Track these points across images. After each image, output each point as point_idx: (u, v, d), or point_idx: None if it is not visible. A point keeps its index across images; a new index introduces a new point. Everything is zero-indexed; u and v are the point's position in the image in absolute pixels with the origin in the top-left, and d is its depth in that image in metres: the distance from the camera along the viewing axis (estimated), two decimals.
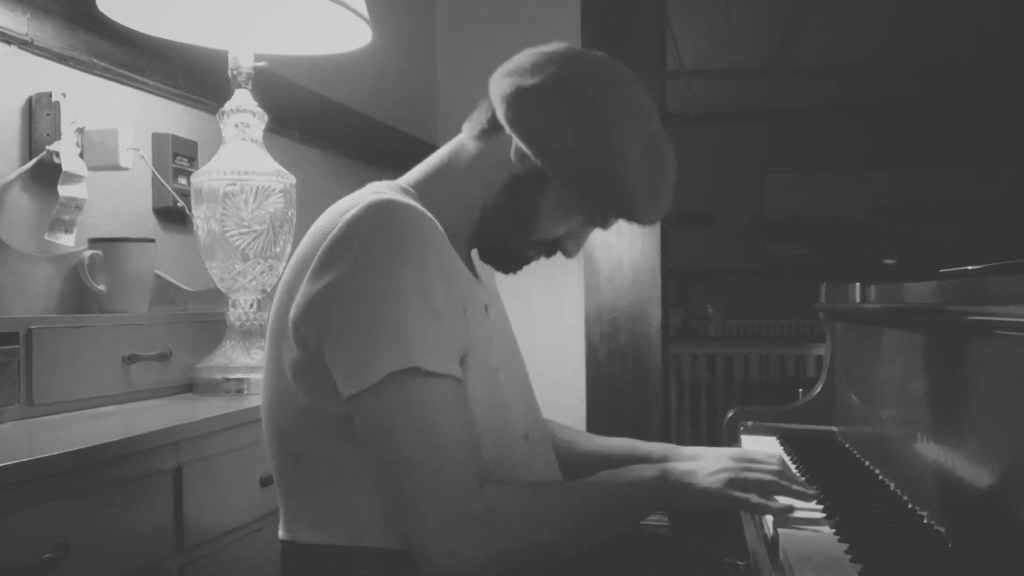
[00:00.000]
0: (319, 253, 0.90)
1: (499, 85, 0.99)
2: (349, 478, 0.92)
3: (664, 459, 1.16)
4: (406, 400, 0.85)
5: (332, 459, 0.92)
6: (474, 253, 1.09)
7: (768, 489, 0.99)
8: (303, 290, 0.90)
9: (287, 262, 1.52)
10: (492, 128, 1.00)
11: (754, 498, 0.98)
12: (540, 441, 1.08)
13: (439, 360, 0.87)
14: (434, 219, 0.93)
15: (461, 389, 0.90)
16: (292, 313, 0.91)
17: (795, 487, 1.01)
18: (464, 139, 1.05)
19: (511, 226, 1.02)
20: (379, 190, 0.98)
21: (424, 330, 0.86)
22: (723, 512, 0.99)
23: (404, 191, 1.00)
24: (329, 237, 0.90)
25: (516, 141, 0.97)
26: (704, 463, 1.00)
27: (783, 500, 1.00)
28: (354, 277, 0.87)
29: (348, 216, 0.90)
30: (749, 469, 0.99)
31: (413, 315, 0.86)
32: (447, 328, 0.89)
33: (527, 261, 1.07)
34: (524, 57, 1.00)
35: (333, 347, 0.87)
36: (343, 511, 0.93)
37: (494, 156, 1.00)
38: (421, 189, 1.02)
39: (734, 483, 0.96)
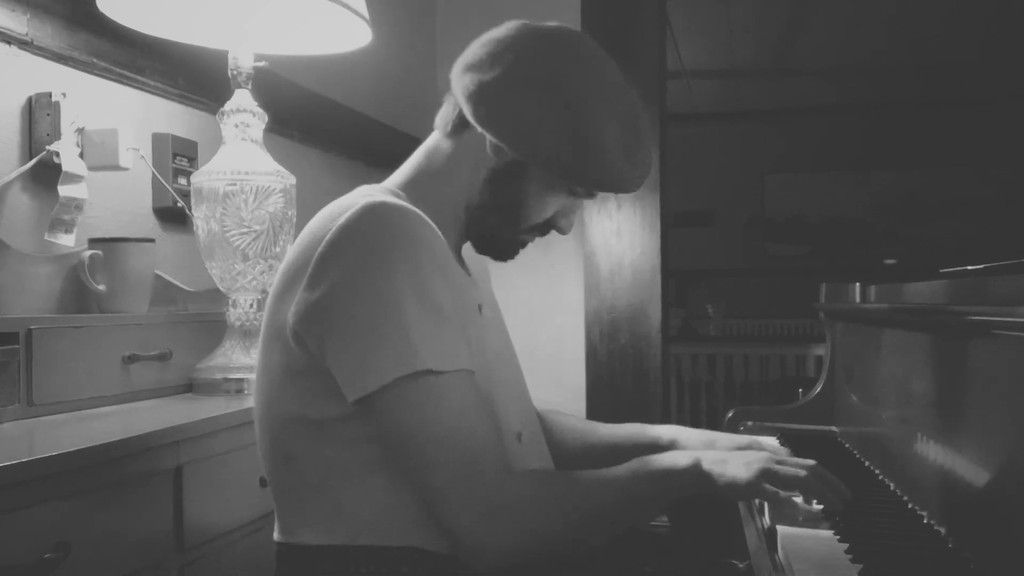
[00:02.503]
0: (315, 258, 0.90)
1: (460, 82, 0.99)
2: (342, 478, 0.92)
3: (672, 443, 1.17)
4: (421, 400, 0.85)
5: (325, 460, 0.92)
6: (465, 250, 1.09)
7: (802, 487, 0.98)
8: (301, 296, 0.90)
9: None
10: (462, 124, 1.01)
11: (783, 494, 0.97)
12: (534, 440, 1.08)
13: (446, 357, 0.87)
14: (428, 219, 0.93)
15: (471, 379, 0.90)
16: (291, 319, 0.90)
17: (830, 488, 1.00)
18: (438, 138, 1.05)
19: (499, 218, 1.03)
20: (370, 193, 0.98)
21: (427, 330, 0.86)
22: (724, 507, 0.99)
23: (394, 193, 1.00)
24: (324, 242, 0.90)
25: (489, 137, 0.97)
26: (737, 452, 1.00)
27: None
28: (353, 281, 0.87)
29: (343, 220, 0.90)
30: (783, 463, 0.99)
31: (414, 316, 0.86)
32: (450, 323, 0.89)
33: (522, 245, 1.07)
34: (479, 48, 1.00)
35: (336, 352, 0.88)
36: (338, 511, 0.93)
37: (469, 153, 1.01)
38: (408, 191, 1.02)
39: (767, 475, 0.96)
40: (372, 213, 0.90)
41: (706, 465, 0.96)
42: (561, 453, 1.18)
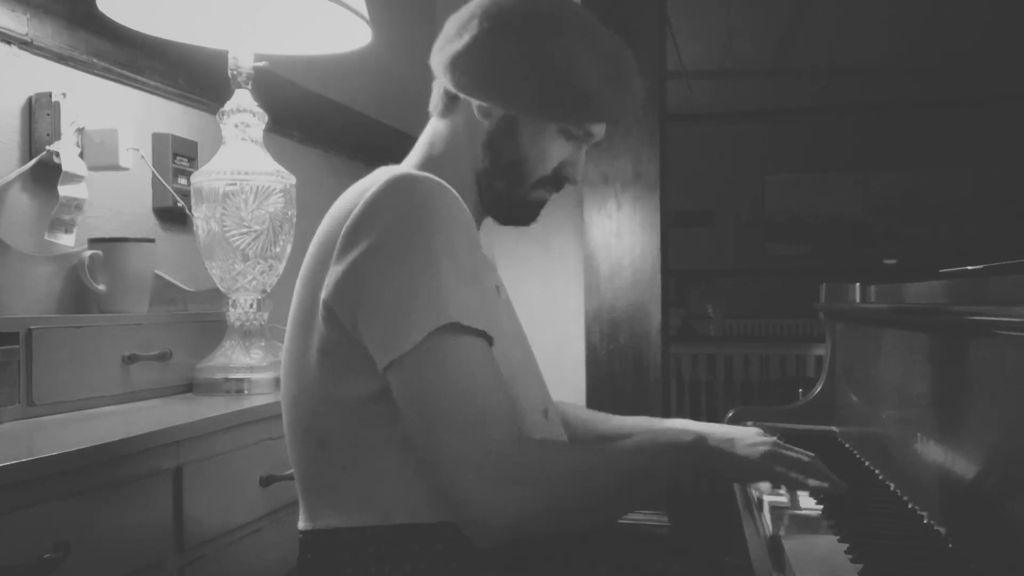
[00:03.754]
0: (343, 233, 0.90)
1: (438, 59, 1.04)
2: (376, 459, 0.92)
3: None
4: (446, 356, 0.85)
5: (358, 441, 0.92)
6: (481, 233, 1.10)
7: (805, 469, 0.99)
8: (332, 270, 0.90)
9: (287, 262, 1.53)
10: (451, 100, 1.05)
11: (792, 473, 0.98)
12: (556, 419, 1.09)
13: (474, 317, 0.87)
14: (453, 190, 0.93)
15: (490, 348, 0.90)
16: (323, 294, 0.91)
17: (825, 471, 1.01)
18: (434, 123, 1.08)
19: (506, 179, 1.04)
20: (392, 169, 0.99)
21: (458, 288, 0.87)
22: (723, 503, 0.99)
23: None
24: (351, 216, 0.91)
25: (473, 101, 1.01)
26: (743, 433, 1.02)
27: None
28: (383, 248, 0.88)
29: (369, 194, 0.91)
30: (789, 447, 1.00)
31: (446, 276, 0.86)
32: (479, 288, 0.90)
33: (540, 205, 1.09)
34: (449, 24, 1.05)
35: (369, 318, 0.87)
36: (370, 492, 0.92)
37: (464, 125, 1.04)
38: (424, 171, 1.03)
39: (773, 456, 0.97)
40: (399, 184, 0.91)
41: (713, 441, 0.96)
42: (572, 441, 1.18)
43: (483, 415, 0.85)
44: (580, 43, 1.01)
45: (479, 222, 1.09)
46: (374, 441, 0.92)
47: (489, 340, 0.89)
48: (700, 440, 0.96)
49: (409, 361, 0.85)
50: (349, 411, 0.92)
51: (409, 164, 1.07)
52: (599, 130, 1.06)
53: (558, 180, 1.07)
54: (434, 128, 1.08)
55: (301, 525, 0.99)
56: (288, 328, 0.99)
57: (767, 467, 0.97)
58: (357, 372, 0.90)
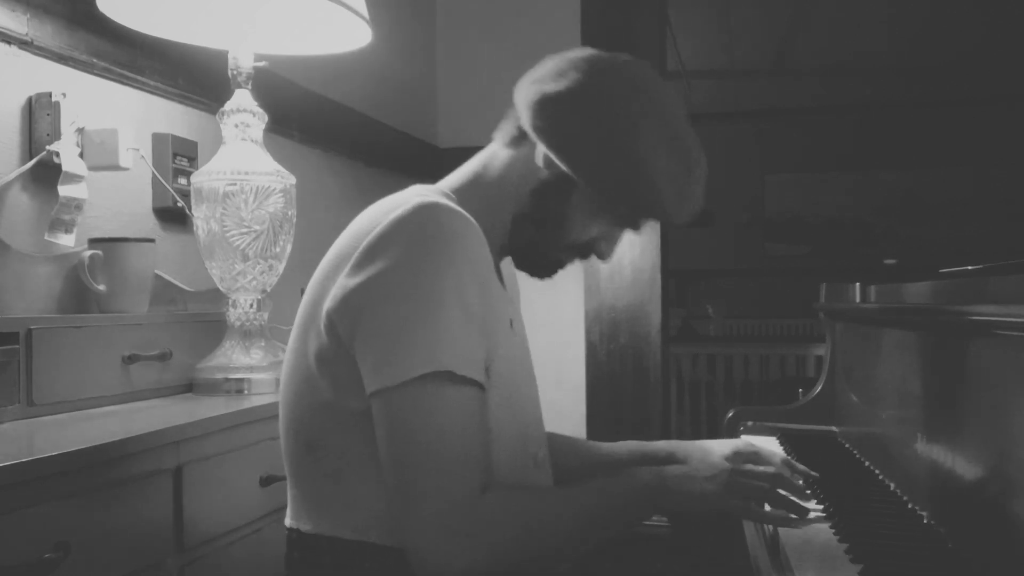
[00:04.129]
0: (361, 248, 0.90)
1: (524, 92, 1.00)
2: (359, 473, 0.92)
3: (670, 456, 1.17)
4: (429, 401, 0.86)
5: (345, 453, 0.93)
6: (503, 266, 1.10)
7: (764, 498, 0.99)
8: (341, 282, 0.90)
9: (287, 262, 1.53)
10: (520, 136, 1.02)
11: (754, 506, 0.98)
12: (546, 463, 1.09)
13: (468, 365, 0.87)
14: (477, 225, 0.93)
15: (483, 397, 0.90)
16: (328, 304, 0.91)
17: (790, 497, 1.01)
18: (496, 148, 1.06)
19: (542, 231, 1.03)
20: (423, 193, 0.98)
21: (458, 334, 0.87)
22: (722, 513, 0.99)
23: (446, 196, 1.01)
24: (372, 234, 0.90)
25: (541, 147, 0.98)
26: (702, 466, 1.00)
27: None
28: (395, 273, 0.88)
29: (394, 216, 0.91)
30: (746, 475, 0.99)
31: (449, 317, 0.86)
32: (478, 334, 0.90)
33: (561, 265, 1.08)
34: (549, 63, 1.02)
35: (365, 341, 0.88)
36: (350, 505, 0.93)
37: (523, 163, 1.02)
38: (460, 195, 1.03)
39: (731, 487, 0.97)
40: (424, 212, 0.91)
41: (670, 482, 0.97)
42: (560, 474, 1.18)
43: (450, 465, 0.86)
44: (665, 138, 0.98)
45: (502, 256, 1.08)
46: (360, 454, 0.92)
47: (480, 387, 0.90)
48: (657, 482, 0.96)
49: (394, 396, 0.86)
50: (339, 421, 0.93)
51: (453, 180, 1.06)
52: (647, 222, 1.05)
53: (587, 251, 1.06)
54: (492, 153, 1.06)
55: (287, 522, 1.00)
56: (294, 327, 0.99)
57: (724, 502, 0.97)
58: (350, 386, 0.90)
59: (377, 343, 0.87)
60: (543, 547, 0.91)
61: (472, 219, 0.93)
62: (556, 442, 1.22)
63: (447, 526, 0.85)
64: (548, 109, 0.97)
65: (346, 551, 0.93)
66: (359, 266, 0.90)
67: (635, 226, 1.06)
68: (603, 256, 1.07)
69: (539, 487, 1.04)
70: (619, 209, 1.01)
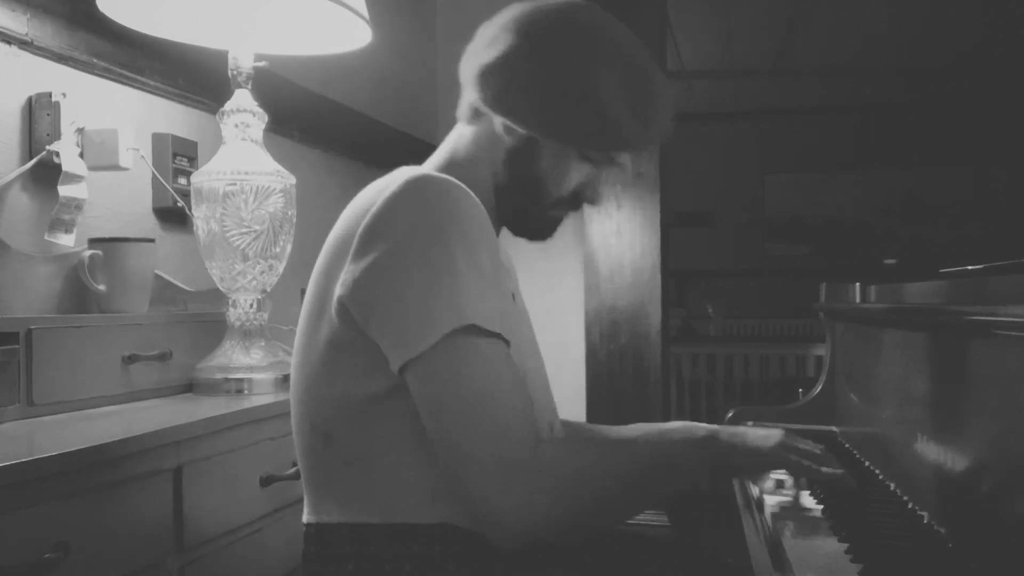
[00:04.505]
0: (360, 231, 0.90)
1: (466, 68, 1.02)
2: (380, 457, 0.92)
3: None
4: (464, 357, 0.85)
5: (364, 438, 0.92)
6: (500, 241, 1.10)
7: (817, 459, 1.01)
8: (348, 269, 0.90)
9: (287, 262, 1.53)
10: (476, 111, 1.03)
11: (806, 462, 0.99)
12: (560, 434, 1.09)
13: (492, 320, 0.87)
14: (472, 194, 0.93)
15: (509, 352, 0.90)
16: (338, 291, 0.90)
17: (838, 469, 1.02)
18: (459, 128, 1.07)
19: (523, 196, 1.04)
20: (412, 170, 0.98)
21: (476, 292, 0.86)
22: (722, 504, 1.00)
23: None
24: (369, 215, 0.90)
25: (496, 116, 0.99)
26: (753, 428, 1.02)
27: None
28: (402, 249, 0.87)
29: (388, 193, 0.90)
30: (799, 439, 1.02)
31: (465, 278, 0.86)
32: (496, 293, 0.89)
33: (557, 222, 1.08)
34: (481, 32, 1.04)
35: (384, 319, 0.87)
36: (373, 490, 0.93)
37: (487, 136, 1.03)
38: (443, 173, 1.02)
39: (786, 445, 0.98)
40: (419, 184, 0.90)
41: (724, 435, 0.98)
42: None
43: (501, 420, 0.85)
44: (611, 69, 0.98)
45: (497, 229, 1.08)
46: (379, 439, 0.92)
47: (507, 343, 0.89)
48: (712, 435, 0.97)
49: (426, 362, 0.85)
50: (356, 407, 0.92)
51: (430, 166, 1.06)
52: (622, 156, 1.05)
53: (576, 201, 1.06)
54: (459, 133, 1.07)
55: (305, 518, 0.99)
56: (300, 320, 0.99)
57: (781, 455, 0.98)
58: (365, 370, 0.90)
59: (396, 318, 0.86)
60: (609, 495, 0.91)
61: (464, 186, 0.93)
62: (568, 424, 1.22)
63: (512, 481, 0.84)
64: (490, 79, 0.99)
65: (371, 537, 0.92)
66: (363, 249, 0.89)
67: (610, 162, 1.05)
68: (593, 201, 1.07)
69: (598, 439, 1.04)
70: (587, 151, 1.02)
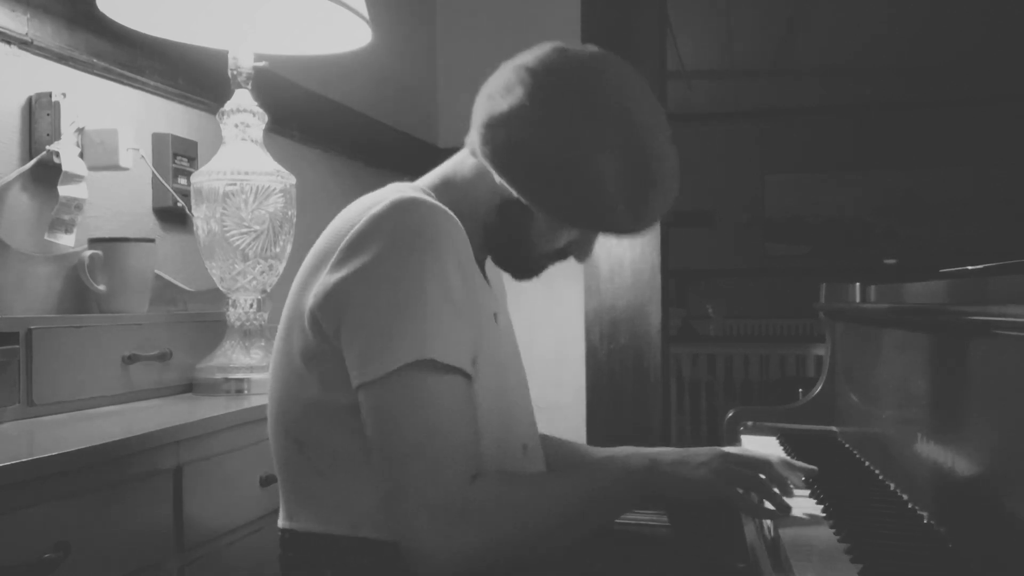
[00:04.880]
0: (341, 245, 0.91)
1: (478, 108, 1.00)
2: (350, 469, 0.93)
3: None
4: (417, 391, 0.86)
5: (335, 449, 0.93)
6: (489, 262, 1.10)
7: (753, 486, 0.99)
8: (323, 279, 0.91)
9: (287, 262, 1.53)
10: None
11: (745, 494, 0.98)
12: (536, 453, 1.09)
13: (453, 354, 0.88)
14: (457, 220, 0.93)
15: (469, 386, 0.90)
16: (311, 301, 0.91)
17: (775, 491, 1.01)
18: (464, 155, 1.05)
19: (510, 245, 1.03)
20: (401, 189, 0.98)
21: (442, 323, 0.87)
22: (720, 508, 1.00)
23: (425, 193, 1.00)
24: (352, 230, 0.91)
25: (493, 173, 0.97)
26: (695, 452, 1.01)
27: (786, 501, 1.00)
28: (376, 267, 0.88)
29: (373, 211, 0.91)
30: (738, 461, 1.00)
31: (432, 307, 0.87)
32: (464, 324, 0.90)
33: (541, 268, 1.08)
34: (501, 73, 1.00)
35: (350, 335, 0.88)
36: (342, 501, 0.93)
37: (486, 178, 1.00)
38: (436, 194, 1.02)
39: (723, 474, 0.97)
40: (403, 207, 0.91)
41: (662, 467, 0.97)
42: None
43: (437, 454, 0.86)
44: (615, 154, 0.94)
45: (485, 255, 1.08)
46: (350, 450, 0.92)
47: (467, 376, 0.90)
48: (649, 467, 0.97)
49: (380, 387, 0.86)
50: (328, 417, 0.93)
51: (427, 180, 1.06)
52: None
53: (564, 255, 1.06)
54: (462, 160, 1.05)
55: (280, 523, 1.00)
56: (280, 327, 1.00)
57: (718, 488, 0.96)
58: (337, 382, 0.91)
59: (361, 336, 0.87)
60: (535, 531, 0.91)
61: (449, 212, 0.93)
62: (551, 445, 1.21)
63: (436, 514, 0.85)
64: (493, 133, 0.96)
65: (341, 547, 0.93)
66: (340, 262, 0.90)
67: (603, 232, 1.04)
68: (580, 259, 1.07)
69: (529, 473, 1.04)
70: (575, 226, 1.01)
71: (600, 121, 0.95)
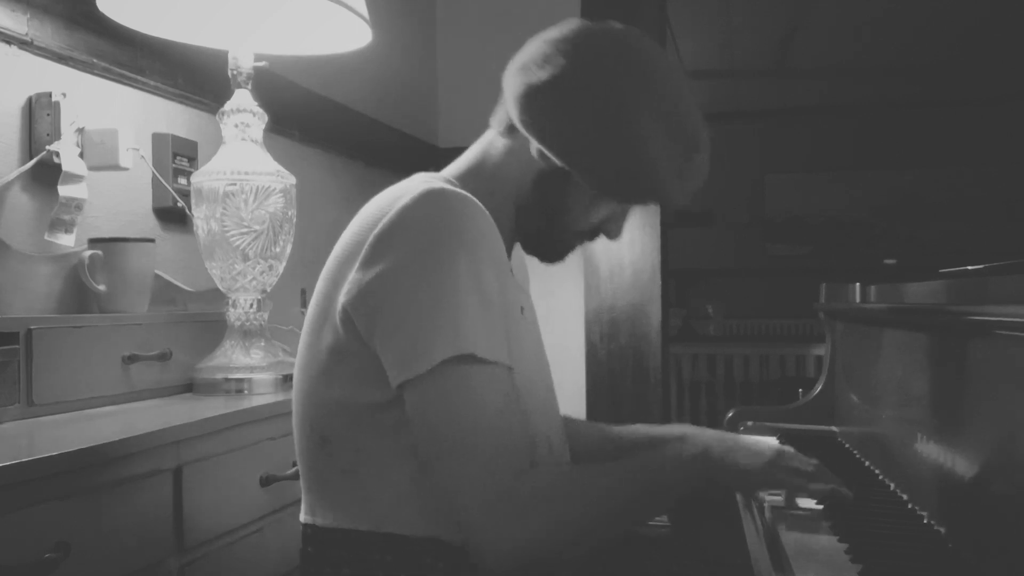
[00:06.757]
0: (370, 240, 0.89)
1: (511, 82, 0.98)
2: (375, 465, 0.92)
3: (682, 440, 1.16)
4: (460, 385, 0.85)
5: (360, 446, 0.92)
6: (512, 253, 1.09)
7: (812, 477, 1.00)
8: (354, 277, 0.89)
9: (287, 262, 1.53)
10: (513, 127, 1.00)
11: (797, 480, 0.99)
12: (560, 448, 1.08)
13: (492, 347, 0.87)
14: (486, 210, 0.92)
15: (512, 377, 0.89)
16: (343, 299, 0.90)
17: (832, 484, 1.02)
18: (492, 135, 1.04)
19: (546, 221, 1.02)
20: (429, 180, 0.97)
21: (478, 318, 0.86)
22: (720, 508, 1.00)
23: (451, 183, 0.99)
24: (381, 224, 0.89)
25: (534, 142, 0.96)
26: (744, 441, 1.01)
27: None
28: (409, 265, 0.87)
29: (401, 204, 0.89)
30: (792, 457, 1.01)
31: (468, 303, 0.86)
32: (499, 317, 0.89)
33: (570, 249, 1.07)
34: (533, 48, 0.99)
35: (386, 334, 0.87)
36: (366, 497, 0.93)
37: (520, 153, 1.00)
38: (463, 184, 1.01)
39: (776, 465, 0.97)
40: (432, 198, 0.89)
41: (715, 453, 0.97)
42: (577, 457, 1.17)
43: (489, 452, 0.85)
44: (661, 118, 0.95)
45: (512, 243, 1.07)
46: (376, 448, 0.92)
47: (508, 368, 0.89)
48: (703, 455, 0.96)
49: (422, 385, 0.85)
50: (355, 414, 0.92)
51: (454, 169, 1.05)
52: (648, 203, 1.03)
53: (597, 232, 1.05)
54: (490, 142, 1.04)
55: (302, 517, 0.99)
56: (306, 322, 0.98)
57: (771, 475, 0.97)
58: (366, 379, 0.90)
59: (398, 335, 0.86)
60: (595, 521, 0.91)
61: (480, 204, 0.92)
62: (575, 428, 1.21)
63: (496, 508, 0.84)
64: (534, 102, 0.95)
65: (363, 543, 0.92)
66: (371, 258, 0.89)
67: (641, 204, 1.04)
68: (612, 236, 1.06)
69: (584, 464, 1.03)
70: (619, 195, 1.00)
71: (643, 84, 0.96)
